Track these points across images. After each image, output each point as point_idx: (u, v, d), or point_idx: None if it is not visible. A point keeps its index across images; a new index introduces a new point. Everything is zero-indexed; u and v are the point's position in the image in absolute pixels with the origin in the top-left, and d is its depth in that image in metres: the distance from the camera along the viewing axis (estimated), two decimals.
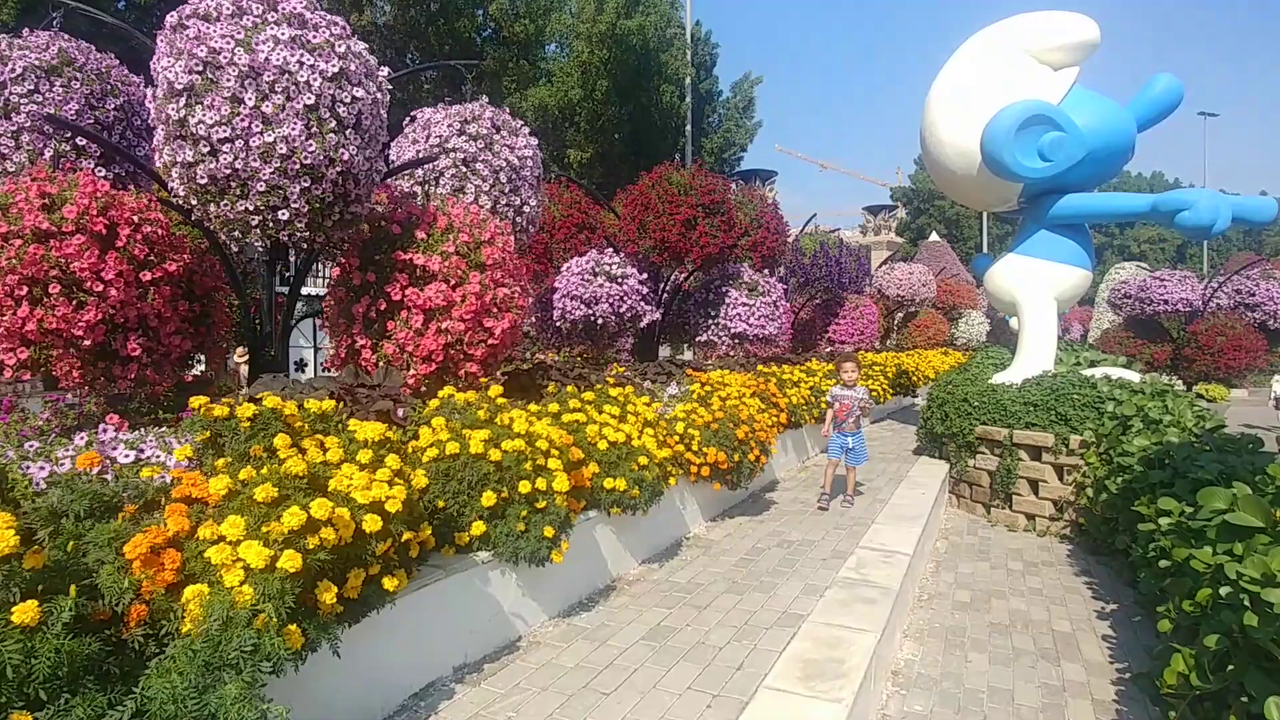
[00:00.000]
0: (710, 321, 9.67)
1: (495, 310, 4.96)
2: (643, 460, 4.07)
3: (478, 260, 4.97)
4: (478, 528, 3.12)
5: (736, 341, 9.60)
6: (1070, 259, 7.89)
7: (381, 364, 4.83)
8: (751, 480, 5.51)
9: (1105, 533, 6.15)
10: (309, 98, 3.99)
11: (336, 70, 4.10)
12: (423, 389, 4.89)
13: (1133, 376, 7.37)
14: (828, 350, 14.64)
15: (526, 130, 6.24)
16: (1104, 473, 6.16)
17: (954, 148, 8.09)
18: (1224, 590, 3.35)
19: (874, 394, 10.96)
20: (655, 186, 8.97)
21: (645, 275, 9.28)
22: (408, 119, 6.07)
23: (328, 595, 2.14)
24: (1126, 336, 17.73)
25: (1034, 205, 8.07)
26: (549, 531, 3.22)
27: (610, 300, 8.92)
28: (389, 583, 2.41)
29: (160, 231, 4.45)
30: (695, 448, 4.99)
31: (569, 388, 4.41)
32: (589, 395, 4.34)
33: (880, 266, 19.94)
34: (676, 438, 4.91)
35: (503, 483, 3.20)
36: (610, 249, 9.35)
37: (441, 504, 3.15)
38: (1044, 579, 5.66)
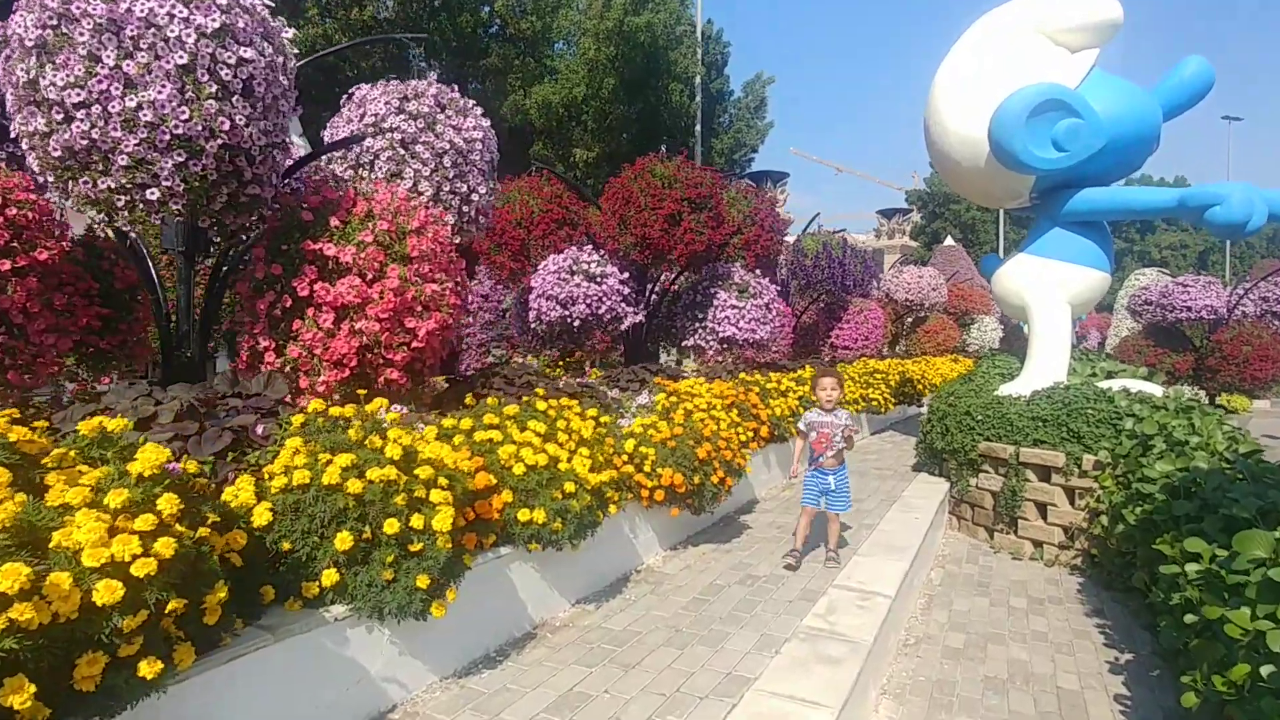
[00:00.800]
0: (698, 325, 9.00)
1: (420, 309, 4.34)
2: (569, 487, 3.43)
3: (401, 252, 4.35)
4: (329, 576, 2.49)
5: (725, 346, 8.93)
6: (1086, 260, 7.15)
7: (288, 369, 4.22)
8: (716, 504, 4.84)
9: (1120, 566, 5.43)
10: (181, 56, 3.39)
11: (218, 26, 3.50)
12: (335, 397, 4.28)
13: (1154, 390, 6.63)
14: (829, 357, 13.92)
15: (479, 111, 5.62)
16: (1121, 499, 5.44)
17: (960, 137, 7.38)
18: (1265, 670, 2.65)
19: (875, 404, 10.26)
20: (638, 179, 8.33)
21: (628, 275, 8.65)
22: (345, 96, 5.48)
23: (16, 698, 1.52)
24: (1146, 345, 16.82)
25: (1047, 200, 7.33)
26: (423, 581, 2.59)
27: (588, 301, 8.30)
28: (146, 668, 1.79)
29: (31, 215, 3.88)
30: (649, 468, 4.34)
31: (489, 399, 3.78)
32: (511, 409, 3.70)
33: (889, 270, 19.17)
34: (624, 458, 4.26)
35: (364, 520, 2.57)
36: (590, 246, 8.73)
37: (287, 546, 2.52)
38: (1050, 620, 4.94)
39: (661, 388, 5.62)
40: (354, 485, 2.55)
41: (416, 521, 2.63)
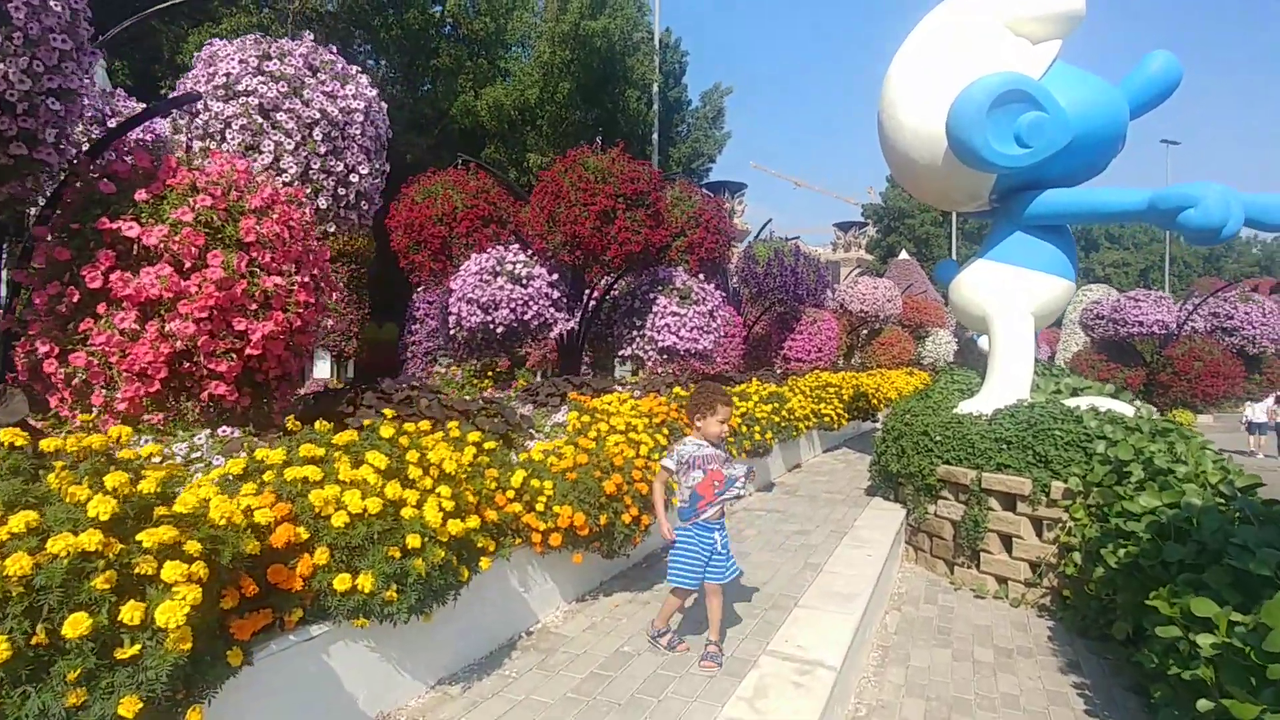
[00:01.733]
0: (635, 333, 8.20)
1: (254, 307, 3.44)
2: (413, 541, 2.57)
3: (233, 236, 3.45)
4: None
5: (665, 356, 8.14)
6: (1051, 266, 6.54)
7: (76, 380, 3.28)
8: (631, 546, 4.01)
9: (1096, 611, 4.75)
10: None
11: None
12: (144, 419, 3.35)
13: (1125, 409, 6.03)
14: (781, 369, 13.27)
15: (364, 80, 4.74)
16: (1096, 534, 4.77)
17: (915, 132, 6.74)
18: None
19: (828, 420, 9.58)
20: (569, 171, 7.51)
21: (558, 277, 7.82)
22: (197, 53, 4.55)
23: None
24: (1099, 359, 16.61)
25: (1008, 203, 6.73)
26: (129, 707, 1.71)
27: (512, 305, 7.43)
28: None
29: None
30: (541, 507, 3.50)
31: (317, 423, 2.90)
32: (345, 436, 2.83)
33: (845, 280, 18.70)
34: (509, 494, 3.41)
35: (35, 614, 1.68)
36: (517, 246, 7.88)
37: None
38: (1021, 678, 4.22)
39: (577, 404, 4.79)
40: (14, 564, 1.65)
41: (130, 613, 1.75)
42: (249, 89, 4.26)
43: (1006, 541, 5.65)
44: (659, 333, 8.01)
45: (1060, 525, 5.29)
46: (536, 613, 3.70)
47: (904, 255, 36.42)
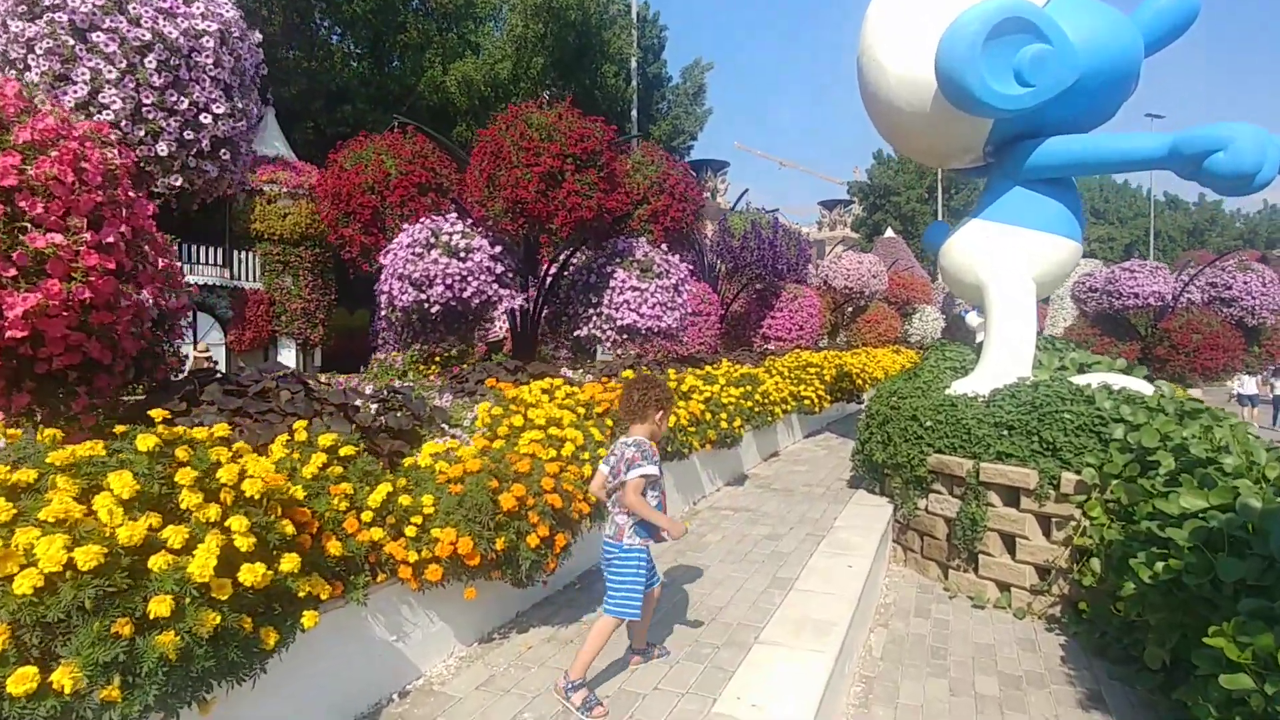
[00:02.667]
0: (592, 311, 7.33)
1: (12, 274, 2.55)
2: (159, 606, 1.72)
3: None
4: None
5: (625, 336, 7.28)
6: (1054, 225, 5.71)
7: None
8: (544, 572, 3.15)
9: (1120, 628, 3.96)
10: None
11: None
12: None
13: (1142, 386, 5.22)
14: (760, 348, 12.43)
15: None
16: (1118, 536, 3.97)
17: (899, 77, 5.86)
18: None
19: (808, 403, 8.76)
20: (510, 129, 6.59)
21: (501, 249, 6.92)
22: None
23: None
24: (1093, 333, 15.86)
25: (1006, 154, 5.87)
26: None
27: (448, 281, 6.55)
28: None
29: None
30: (414, 531, 2.65)
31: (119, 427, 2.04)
32: (82, 451, 1.96)
33: (829, 256, 17.87)
34: (366, 516, 2.56)
35: None
36: (455, 215, 6.98)
37: None
38: (1033, 717, 3.43)
39: (496, 393, 3.92)
40: None
41: None
42: (57, 3, 3.33)
43: (1009, 542, 4.85)
44: (617, 310, 7.14)
45: (1073, 524, 4.49)
46: (418, 664, 2.85)
47: (890, 233, 35.65)
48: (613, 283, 7.20)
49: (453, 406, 4.41)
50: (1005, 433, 4.96)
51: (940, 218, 46.62)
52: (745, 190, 13.04)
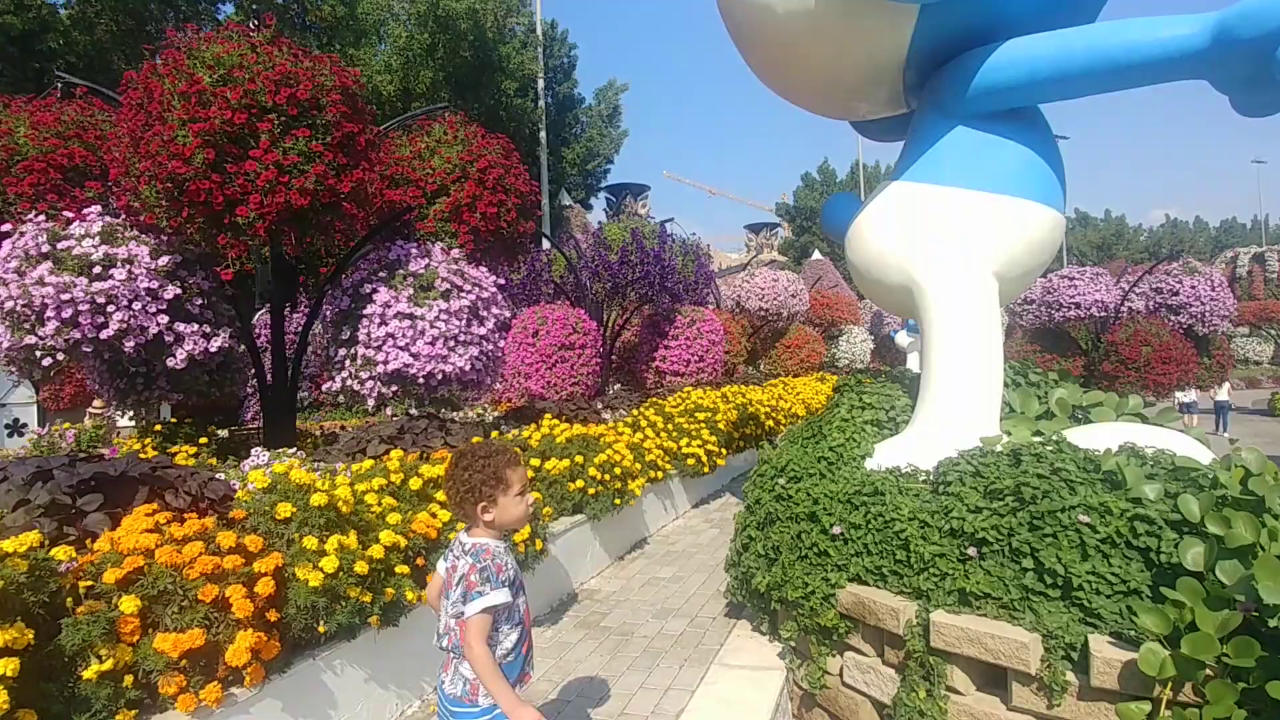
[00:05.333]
0: (344, 352, 4.81)
1: None
2: None
3: None
4: None
5: (395, 387, 4.77)
6: (1023, 183, 3.46)
7: None
8: None
9: None
10: None
11: None
12: None
13: (1188, 445, 3.01)
14: (654, 384, 10.08)
15: None
16: None
17: None
18: None
19: (691, 462, 6.37)
20: (170, 72, 4.08)
21: (180, 260, 4.37)
22: None
23: None
24: (1031, 351, 14.09)
25: (941, 80, 3.64)
26: None
27: (71, 312, 3.94)
28: None
29: None
30: None
31: None
32: None
33: (741, 275, 15.79)
34: None
35: None
36: (98, 209, 4.39)
37: None
38: None
39: None
40: None
41: None
42: None
43: None
44: (379, 348, 4.64)
45: None
46: None
47: (817, 255, 34.21)
48: (370, 308, 4.70)
49: None
50: (971, 551, 2.64)
51: None
52: (626, 193, 10.83)
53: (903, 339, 19.06)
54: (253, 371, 5.32)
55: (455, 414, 7.01)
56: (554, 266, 10.96)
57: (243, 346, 5.18)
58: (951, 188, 3.45)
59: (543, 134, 27.74)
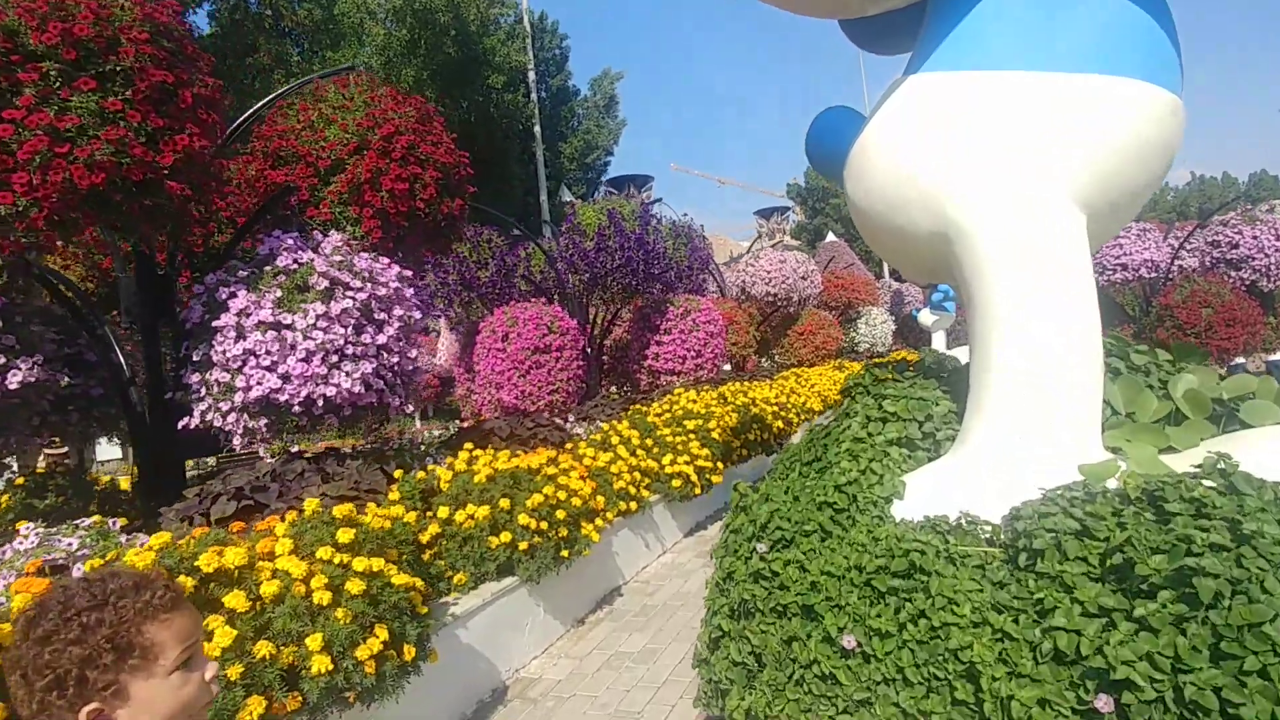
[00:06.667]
0: (197, 377, 3.67)
1: None
2: None
3: None
4: None
5: (263, 417, 3.61)
6: (1116, 55, 2.21)
7: None
8: None
9: None
10: None
11: None
12: None
13: None
14: (647, 384, 8.88)
15: None
16: None
17: None
18: None
19: (677, 484, 5.15)
20: None
21: None
22: None
23: None
24: None
25: None
26: None
27: None
28: None
29: None
30: None
31: None
32: None
33: (745, 257, 14.51)
34: None
35: None
36: None
37: None
38: None
39: None
40: None
41: None
42: None
43: None
44: (245, 367, 3.48)
45: None
46: None
47: (831, 237, 32.70)
48: (224, 318, 3.54)
49: None
50: (1100, 703, 1.41)
51: None
52: (658, 199, 9.64)
53: (926, 318, 17.51)
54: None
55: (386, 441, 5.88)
56: (534, 261, 9.83)
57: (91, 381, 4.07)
58: (1005, 72, 2.19)
59: (537, 128, 26.61)
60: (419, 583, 2.59)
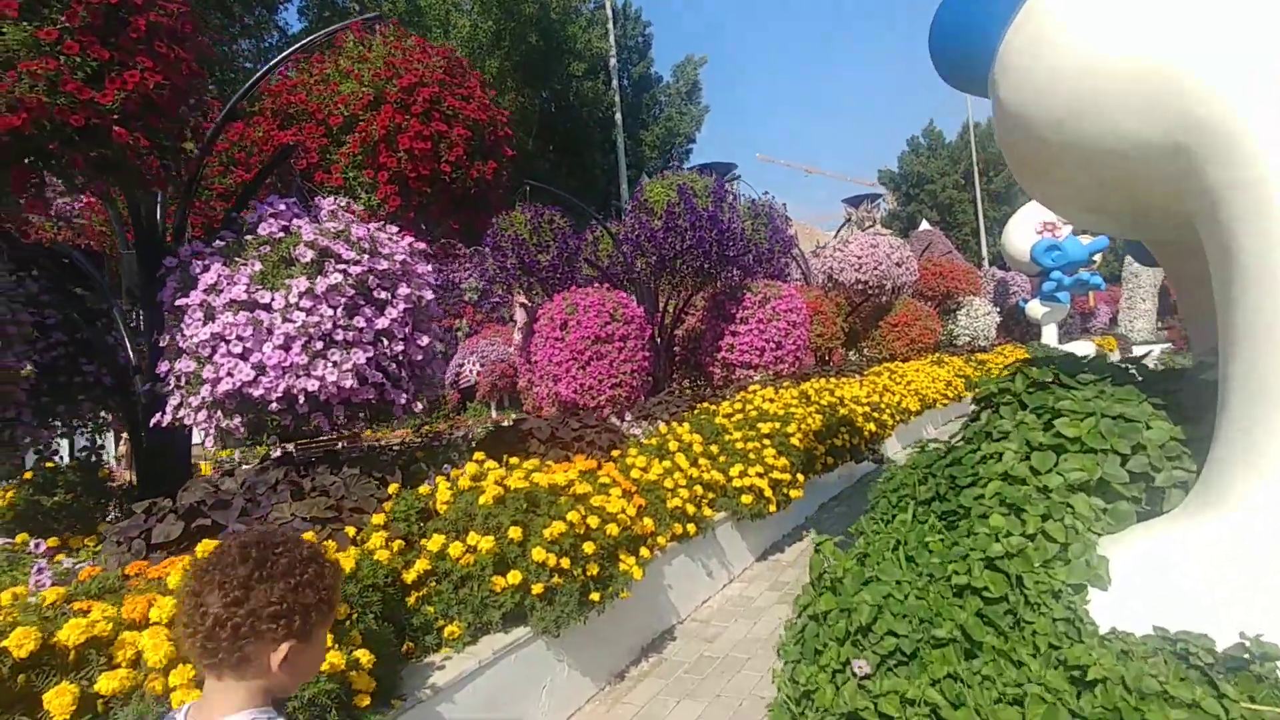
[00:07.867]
0: (168, 366, 3.08)
1: None
2: None
3: None
4: None
5: (237, 414, 2.98)
6: None
7: None
8: None
9: None
10: None
11: None
12: None
13: None
14: (721, 378, 7.99)
15: None
16: None
17: None
18: None
19: (748, 500, 4.26)
20: None
21: None
22: None
23: None
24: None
25: None
26: None
27: None
28: None
29: None
30: None
31: None
32: None
33: (832, 239, 13.31)
34: None
35: None
36: None
37: None
38: None
39: None
40: None
41: None
42: None
43: None
44: (209, 355, 2.86)
45: None
46: None
47: (925, 225, 30.54)
48: (191, 296, 2.91)
49: None
50: None
51: (978, 204, 41.13)
52: (736, 175, 8.74)
53: (1035, 309, 15.69)
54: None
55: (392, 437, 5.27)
56: (602, 246, 9.10)
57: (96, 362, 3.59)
58: None
59: (618, 116, 25.92)
60: (365, 656, 1.84)
